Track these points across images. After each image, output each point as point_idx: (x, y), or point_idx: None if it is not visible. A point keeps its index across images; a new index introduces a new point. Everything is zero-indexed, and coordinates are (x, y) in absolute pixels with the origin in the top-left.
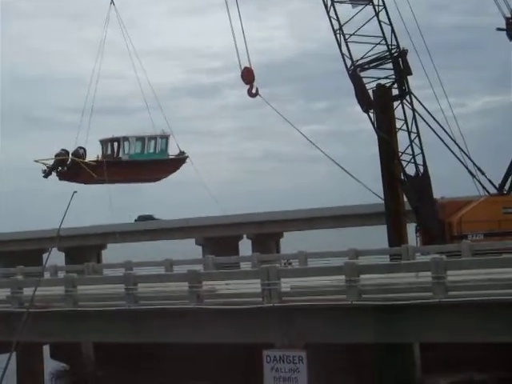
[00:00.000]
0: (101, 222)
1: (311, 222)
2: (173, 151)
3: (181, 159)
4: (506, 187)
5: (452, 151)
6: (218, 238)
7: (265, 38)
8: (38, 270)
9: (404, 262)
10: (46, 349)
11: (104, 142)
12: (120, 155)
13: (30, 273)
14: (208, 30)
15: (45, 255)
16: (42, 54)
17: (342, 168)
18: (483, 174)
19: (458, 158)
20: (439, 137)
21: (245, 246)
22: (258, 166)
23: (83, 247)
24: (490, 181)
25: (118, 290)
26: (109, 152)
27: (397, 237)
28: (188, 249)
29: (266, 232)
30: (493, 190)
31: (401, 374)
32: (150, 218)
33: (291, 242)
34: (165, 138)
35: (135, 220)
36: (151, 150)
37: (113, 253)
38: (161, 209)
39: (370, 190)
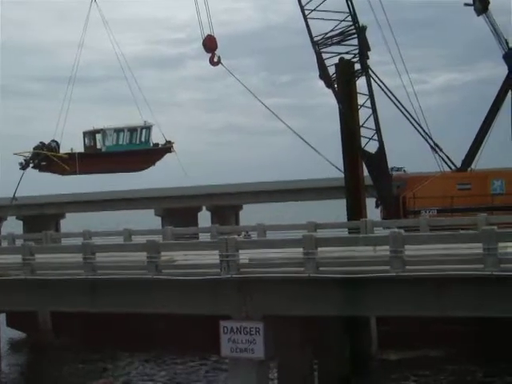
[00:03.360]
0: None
1: (271, 194)
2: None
3: (164, 149)
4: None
5: (415, 127)
6: (177, 209)
7: (229, 10)
8: None
9: (362, 235)
10: (2, 317)
11: (86, 134)
12: (99, 147)
13: None
14: (172, 1)
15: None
16: (3, 21)
17: (304, 140)
18: (441, 150)
19: (420, 134)
20: (403, 113)
21: (204, 218)
22: (219, 137)
23: (42, 216)
24: (447, 157)
25: (76, 259)
26: (91, 144)
27: (356, 211)
28: (147, 219)
29: (226, 204)
30: (450, 167)
31: (357, 348)
32: None
33: (250, 215)
34: (147, 128)
35: None
36: (131, 141)
37: (71, 222)
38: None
39: (330, 163)
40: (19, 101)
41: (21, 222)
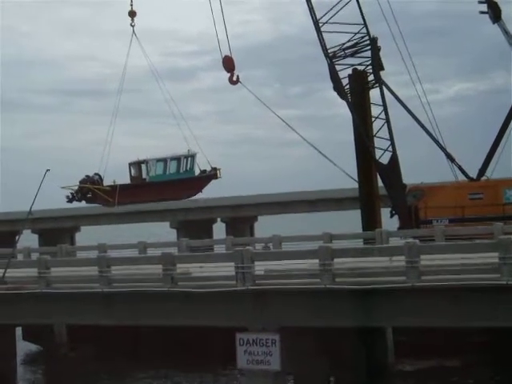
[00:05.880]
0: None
1: (286, 205)
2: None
3: (209, 176)
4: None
5: (432, 137)
6: (192, 221)
7: (241, 22)
8: (8, 252)
9: (377, 246)
10: (18, 331)
11: (131, 165)
12: (144, 177)
13: (0, 254)
14: (184, 14)
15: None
16: (13, 34)
17: (319, 152)
18: (453, 160)
19: (437, 144)
20: (419, 123)
21: (219, 230)
22: (233, 149)
23: (57, 229)
24: (459, 167)
25: (92, 272)
26: (137, 174)
27: (370, 221)
28: (162, 232)
29: (241, 215)
30: (467, 176)
31: (373, 359)
32: None
33: (266, 226)
34: (190, 157)
35: None
36: (174, 171)
37: (86, 235)
38: None
39: (346, 174)
40: (28, 114)
41: (36, 236)
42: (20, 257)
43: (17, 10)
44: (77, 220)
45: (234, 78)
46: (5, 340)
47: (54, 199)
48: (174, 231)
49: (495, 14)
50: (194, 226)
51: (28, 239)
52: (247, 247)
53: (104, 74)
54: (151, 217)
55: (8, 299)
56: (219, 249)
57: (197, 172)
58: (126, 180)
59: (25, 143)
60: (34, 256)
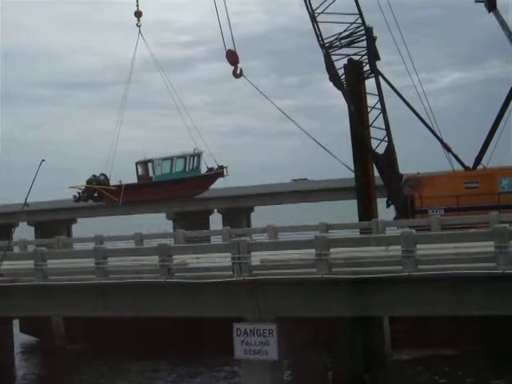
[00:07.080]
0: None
1: (282, 196)
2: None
3: (215, 174)
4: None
5: (428, 127)
6: (188, 212)
7: (236, 12)
8: (4, 244)
9: (374, 235)
10: (16, 323)
11: (138, 164)
12: (151, 176)
13: None
14: (179, 4)
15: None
16: (12, 27)
17: (317, 142)
18: (449, 149)
19: (433, 133)
20: (415, 113)
21: (215, 221)
22: (229, 140)
23: (53, 221)
24: (455, 156)
25: (88, 264)
26: (144, 173)
27: (367, 211)
28: (159, 223)
29: (237, 206)
30: (464, 165)
31: (370, 348)
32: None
33: (262, 217)
34: (196, 156)
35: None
36: (180, 169)
37: (83, 227)
38: None
39: (343, 164)
40: (27, 106)
41: (32, 228)
42: (16, 249)
43: (14, 4)
44: (73, 212)
45: (238, 72)
46: (2, 333)
47: (53, 191)
48: (171, 222)
49: (491, 3)
50: (191, 218)
51: (24, 231)
52: (243, 238)
53: (101, 65)
54: (147, 208)
55: (4, 292)
56: (216, 240)
57: (203, 170)
58: (132, 176)
59: (23, 135)
60: (31, 248)
